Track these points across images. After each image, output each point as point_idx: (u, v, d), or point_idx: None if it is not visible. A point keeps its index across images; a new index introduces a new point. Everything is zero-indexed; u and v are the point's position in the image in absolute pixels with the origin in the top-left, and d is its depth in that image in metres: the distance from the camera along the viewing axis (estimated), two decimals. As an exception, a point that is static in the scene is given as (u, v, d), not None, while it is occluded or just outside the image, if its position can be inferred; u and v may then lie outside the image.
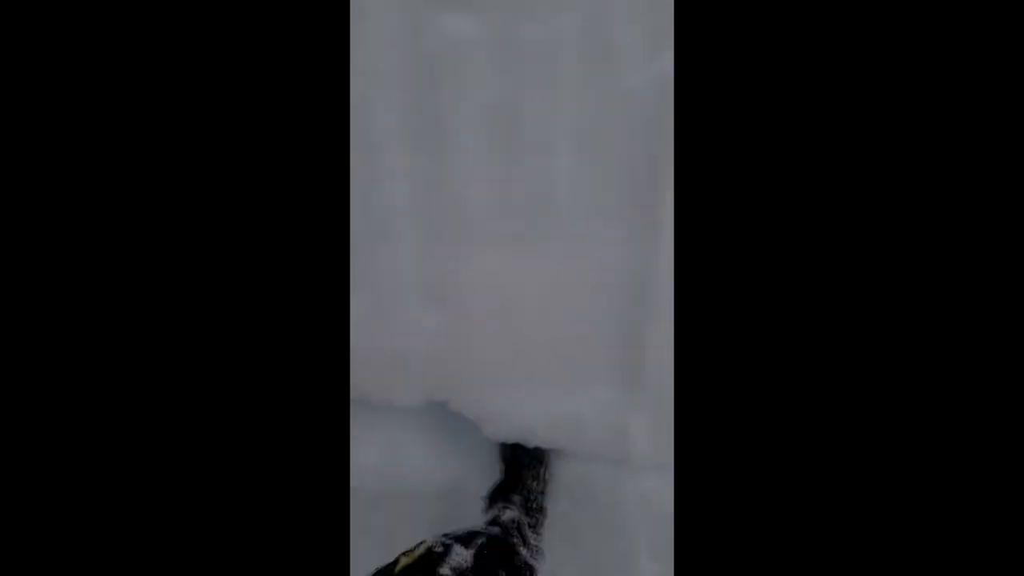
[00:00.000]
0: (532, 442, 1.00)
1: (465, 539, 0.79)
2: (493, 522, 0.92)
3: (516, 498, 0.98)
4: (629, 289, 0.92)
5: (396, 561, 0.75)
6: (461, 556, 0.75)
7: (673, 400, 0.92)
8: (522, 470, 1.02)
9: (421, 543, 0.78)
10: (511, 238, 0.95)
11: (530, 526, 0.95)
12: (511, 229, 0.94)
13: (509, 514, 0.93)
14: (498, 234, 0.95)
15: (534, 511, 0.99)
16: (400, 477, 1.16)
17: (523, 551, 0.87)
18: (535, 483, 1.02)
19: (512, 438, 1.02)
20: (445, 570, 0.72)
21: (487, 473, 1.12)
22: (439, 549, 0.76)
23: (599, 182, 0.89)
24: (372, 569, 0.75)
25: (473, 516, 1.09)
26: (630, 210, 0.88)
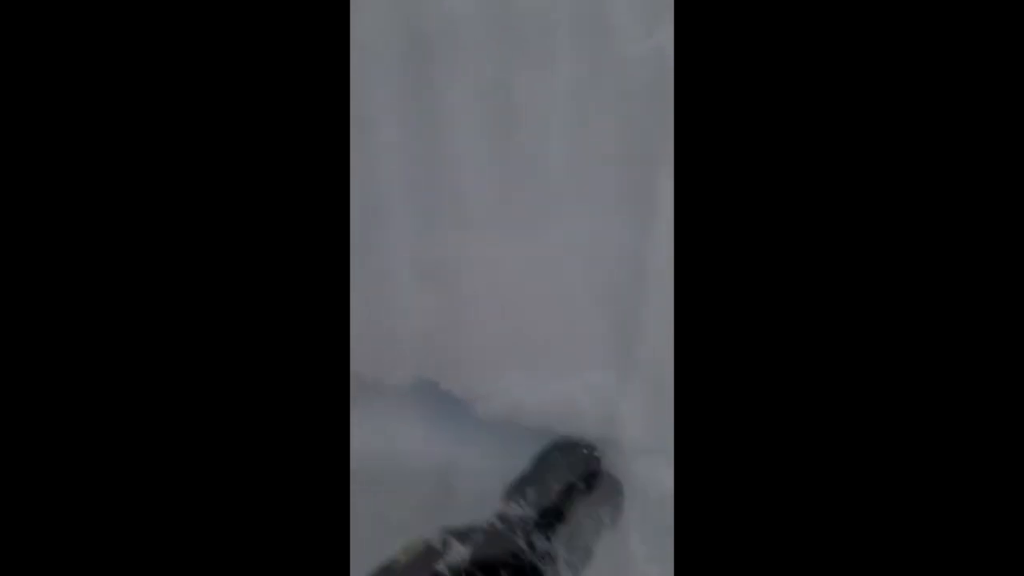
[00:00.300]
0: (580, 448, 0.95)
1: (463, 535, 0.77)
2: (502, 517, 0.87)
3: (530, 494, 0.91)
4: (625, 270, 0.90)
5: (396, 560, 0.73)
6: (458, 553, 0.73)
7: (666, 384, 0.92)
8: (549, 472, 0.96)
9: (420, 539, 0.75)
10: (505, 219, 0.93)
11: (539, 526, 0.87)
12: (506, 209, 0.92)
13: (517, 511, 0.87)
14: (492, 215, 0.93)
15: (550, 513, 0.91)
16: (393, 457, 1.15)
17: (527, 552, 0.81)
18: (558, 485, 0.94)
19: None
20: (441, 567, 0.71)
21: (480, 453, 1.11)
22: (438, 546, 0.74)
23: (596, 162, 0.87)
24: (372, 561, 0.73)
25: (469, 497, 1.08)
26: (627, 191, 0.86)
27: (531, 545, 0.83)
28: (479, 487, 1.09)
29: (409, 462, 1.15)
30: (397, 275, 1.01)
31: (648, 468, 0.98)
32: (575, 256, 0.91)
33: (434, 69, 0.87)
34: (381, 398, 1.14)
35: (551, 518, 0.90)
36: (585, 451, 0.97)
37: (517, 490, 0.93)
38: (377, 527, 1.12)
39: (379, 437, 1.16)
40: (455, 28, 0.85)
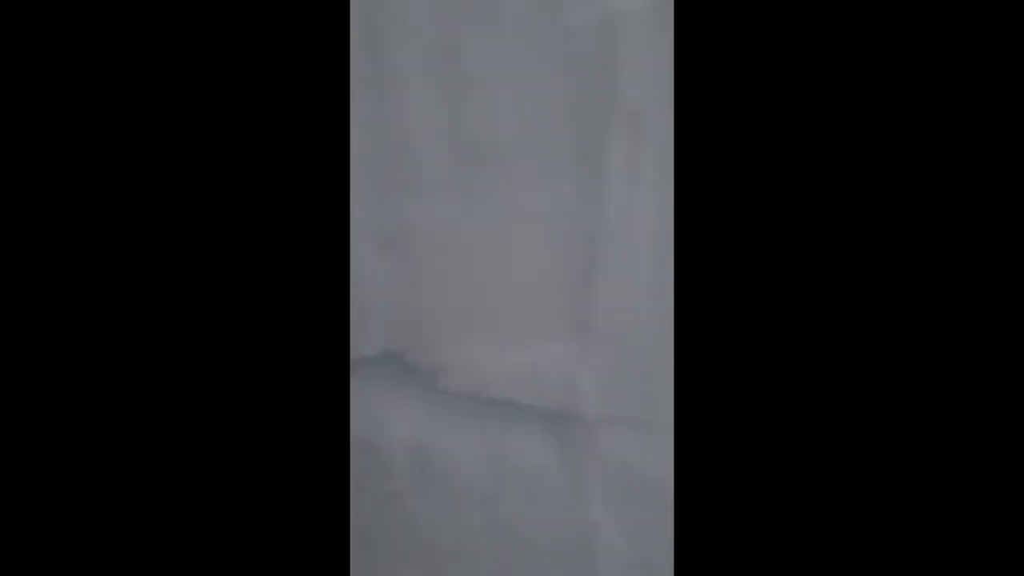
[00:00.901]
0: None
1: None
2: None
3: None
4: (578, 239, 0.89)
5: None
6: None
7: (623, 352, 0.92)
8: None
9: None
10: (459, 187, 0.92)
11: None
12: (459, 178, 0.91)
13: None
14: (445, 184, 0.92)
15: None
16: (367, 428, 1.16)
17: None
18: None
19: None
20: None
21: (448, 425, 1.12)
22: None
23: (546, 129, 0.85)
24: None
25: (443, 471, 1.09)
26: (578, 159, 0.85)
27: None
28: (451, 460, 1.11)
29: (383, 434, 1.16)
30: (357, 245, 1.00)
31: (609, 437, 0.99)
32: (529, 225, 0.90)
33: (383, 34, 0.85)
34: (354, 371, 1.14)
35: None
36: None
37: None
38: (361, 498, 1.14)
39: (354, 410, 1.17)
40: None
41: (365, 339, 1.07)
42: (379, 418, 1.15)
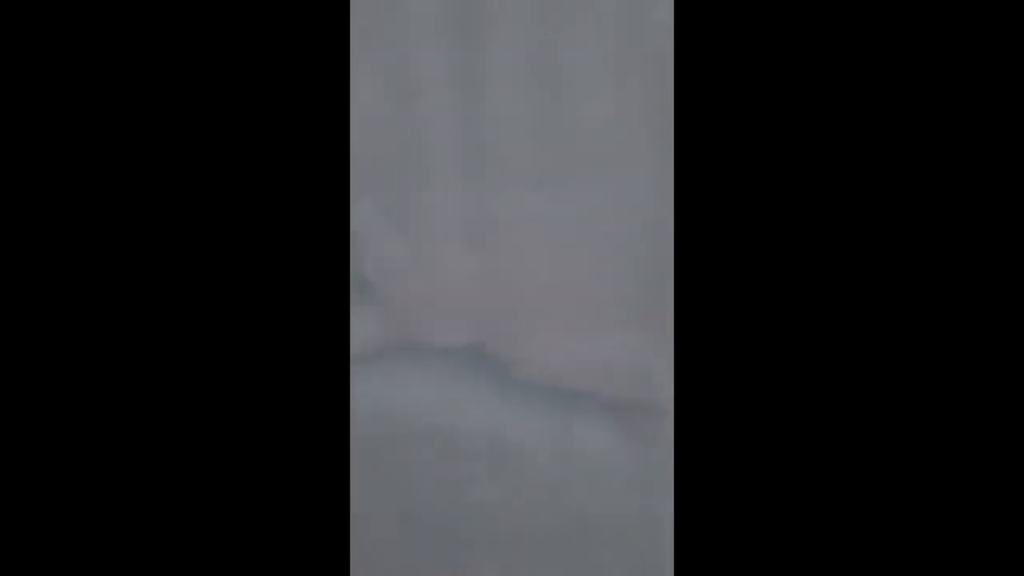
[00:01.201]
0: None
1: None
2: None
3: None
4: (656, 231, 0.91)
5: None
6: None
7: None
8: None
9: None
10: (542, 180, 0.95)
11: None
12: (542, 171, 0.94)
13: None
14: (529, 176, 0.95)
15: None
16: (442, 417, 1.18)
17: None
18: None
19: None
20: None
21: (522, 416, 1.13)
22: None
23: (630, 124, 0.87)
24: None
25: (515, 462, 1.11)
26: (659, 154, 0.87)
27: None
28: (525, 451, 1.13)
29: (458, 421, 1.18)
30: (442, 240, 1.04)
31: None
32: (608, 218, 0.93)
33: (472, 31, 0.89)
34: (428, 360, 1.17)
35: None
36: None
37: None
38: (429, 485, 1.17)
39: (428, 398, 1.19)
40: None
41: (447, 329, 1.10)
42: (455, 406, 1.17)
